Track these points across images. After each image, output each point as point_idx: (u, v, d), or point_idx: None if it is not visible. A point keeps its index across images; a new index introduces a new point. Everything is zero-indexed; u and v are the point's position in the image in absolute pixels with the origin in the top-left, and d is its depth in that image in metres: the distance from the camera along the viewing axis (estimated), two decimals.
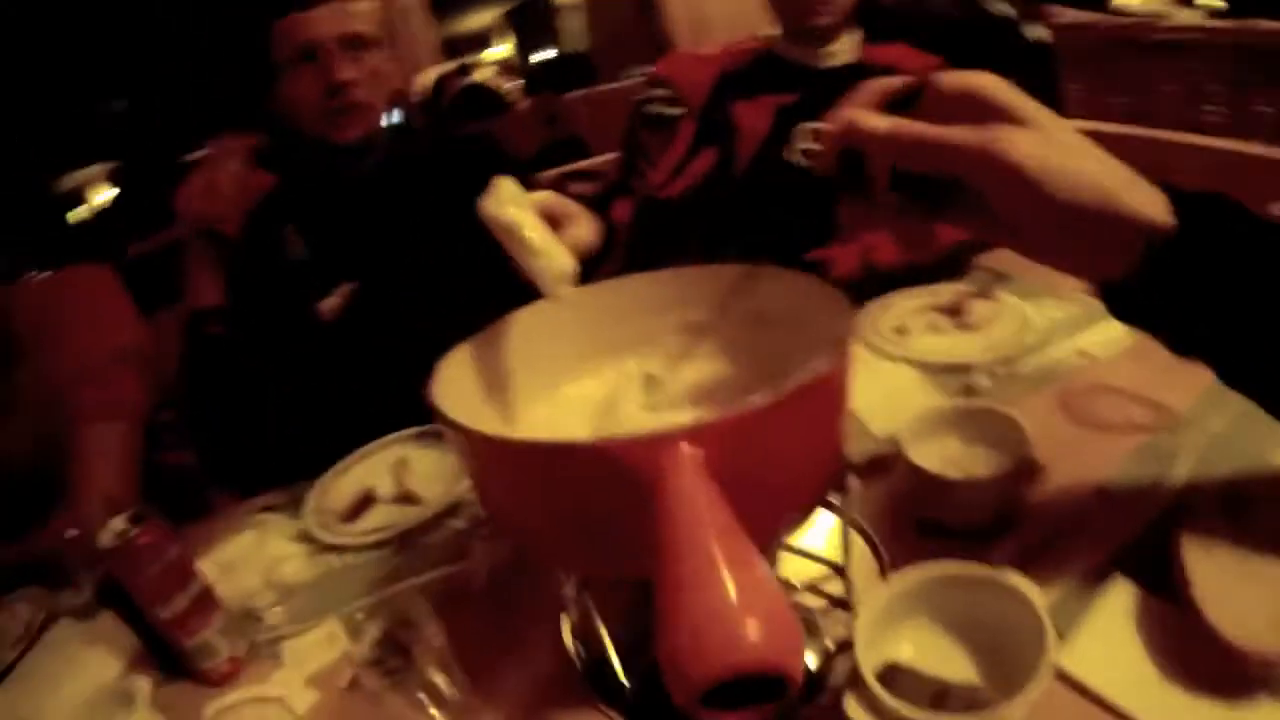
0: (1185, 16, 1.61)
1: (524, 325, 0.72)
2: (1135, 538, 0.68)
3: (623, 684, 0.62)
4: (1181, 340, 0.53)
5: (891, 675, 0.53)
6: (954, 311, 1.11)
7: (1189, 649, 0.55)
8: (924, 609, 0.59)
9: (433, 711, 0.61)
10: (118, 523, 0.71)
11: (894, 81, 0.54)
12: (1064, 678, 0.56)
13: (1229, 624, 0.53)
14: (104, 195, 3.50)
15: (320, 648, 0.78)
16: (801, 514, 0.57)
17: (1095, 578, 0.65)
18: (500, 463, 0.46)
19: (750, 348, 0.71)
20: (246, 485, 1.10)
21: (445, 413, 0.49)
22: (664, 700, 0.53)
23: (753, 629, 0.31)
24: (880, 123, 0.50)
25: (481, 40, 7.25)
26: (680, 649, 0.32)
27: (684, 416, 0.64)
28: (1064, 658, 0.56)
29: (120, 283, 1.28)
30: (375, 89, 1.15)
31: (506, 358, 0.71)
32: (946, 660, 0.57)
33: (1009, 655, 0.53)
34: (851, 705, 0.50)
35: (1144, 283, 0.49)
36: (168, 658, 0.77)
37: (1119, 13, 1.69)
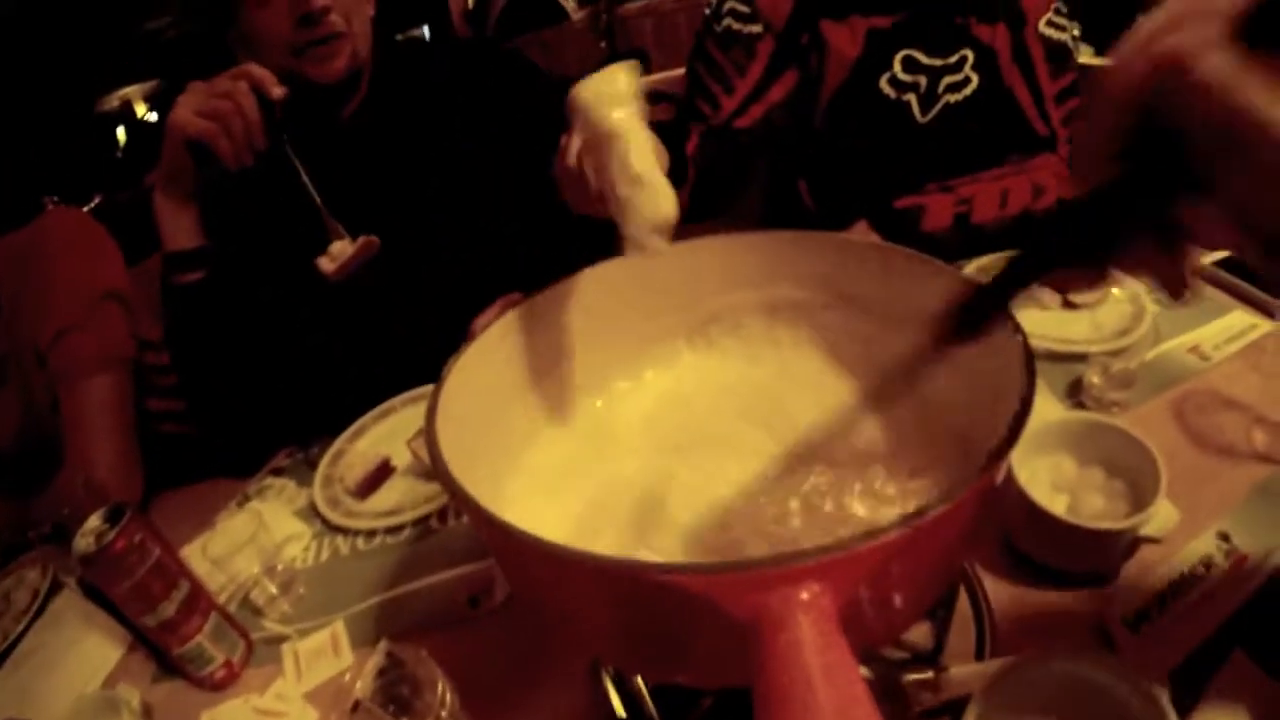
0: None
1: (573, 298, 0.58)
2: (1257, 604, 0.60)
3: None
4: None
5: None
6: (1059, 287, 0.97)
7: None
8: (1032, 690, 0.51)
9: None
10: (94, 522, 0.62)
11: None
12: None
13: None
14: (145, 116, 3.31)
15: (322, 657, 0.70)
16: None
17: (1213, 650, 0.57)
18: (552, 571, 0.34)
19: (864, 354, 0.58)
20: (247, 451, 1.01)
21: (455, 477, 0.37)
22: None
23: None
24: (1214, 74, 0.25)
25: None
26: None
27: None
28: None
29: (99, 225, 1.17)
30: (356, 12, 0.97)
31: (543, 346, 0.58)
32: None
33: None
34: None
35: None
36: (162, 653, 0.69)
37: None
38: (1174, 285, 0.33)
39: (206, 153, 0.87)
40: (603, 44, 3.20)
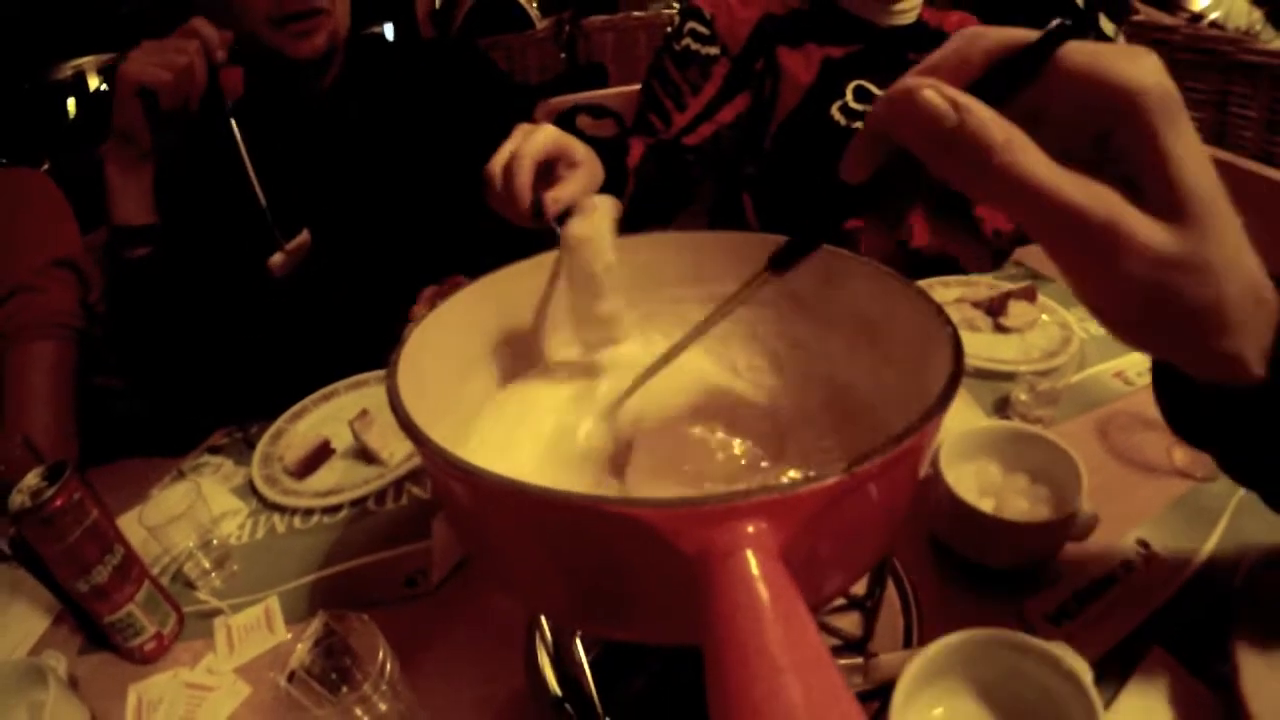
0: (1275, 41, 1.49)
1: (528, 280, 0.62)
2: (1174, 605, 0.64)
3: (598, 713, 0.53)
4: (1228, 464, 0.47)
5: None
6: (991, 309, 1.02)
7: None
8: (957, 672, 0.54)
9: None
10: (31, 479, 0.61)
11: (1014, 35, 0.34)
12: None
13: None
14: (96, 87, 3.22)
15: (255, 632, 0.69)
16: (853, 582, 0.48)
17: (1132, 646, 0.60)
18: (501, 509, 0.35)
19: (799, 350, 0.61)
20: (184, 429, 0.99)
21: (411, 414, 0.38)
22: None
23: None
24: (941, 105, 0.32)
25: None
26: None
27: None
28: None
29: (58, 189, 1.14)
30: None
31: (498, 321, 0.60)
32: None
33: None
34: None
35: (1208, 406, 0.41)
36: (90, 624, 0.68)
37: (1199, 18, 1.56)
38: (969, 254, 0.42)
39: (156, 109, 0.85)
40: (562, 55, 3.22)
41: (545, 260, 0.62)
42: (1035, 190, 0.31)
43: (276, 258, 0.97)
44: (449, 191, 1.09)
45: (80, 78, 2.93)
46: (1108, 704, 0.55)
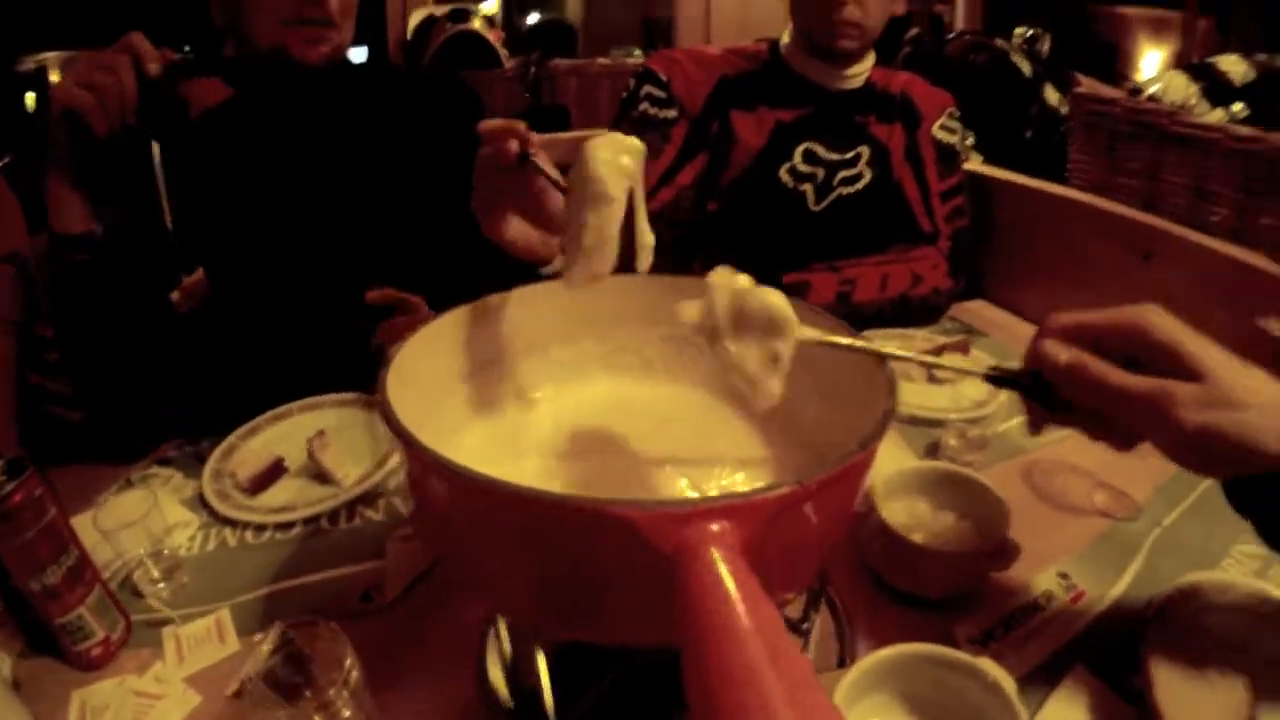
0: (1209, 115, 1.63)
1: (504, 312, 0.66)
2: (1094, 629, 0.69)
3: None
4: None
5: None
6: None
7: None
8: (890, 687, 0.58)
9: None
10: None
11: (1090, 324, 0.54)
12: None
13: None
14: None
15: (206, 643, 0.69)
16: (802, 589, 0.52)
17: (1055, 666, 0.65)
18: (478, 506, 0.38)
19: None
20: (129, 439, 0.98)
21: (405, 427, 0.41)
22: None
23: None
24: (1061, 355, 0.53)
25: None
26: None
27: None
28: None
29: (4, 184, 1.12)
30: (346, 16, 1.01)
31: (475, 348, 0.64)
32: None
33: None
34: None
35: (1266, 496, 0.53)
36: (33, 629, 0.67)
37: (1138, 91, 1.70)
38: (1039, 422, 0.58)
39: (83, 126, 0.85)
40: (527, 94, 3.30)
41: (527, 293, 0.66)
42: (1109, 387, 0.51)
43: (175, 295, 0.98)
44: (415, 220, 1.12)
45: (41, 72, 2.87)
46: (1032, 716, 0.60)
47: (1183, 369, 0.50)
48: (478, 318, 0.64)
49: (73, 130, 0.85)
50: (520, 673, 0.61)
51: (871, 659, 0.55)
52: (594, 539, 0.35)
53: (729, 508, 0.34)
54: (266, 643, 0.57)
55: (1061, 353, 0.53)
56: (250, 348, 1.08)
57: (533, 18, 5.57)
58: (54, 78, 2.88)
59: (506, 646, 0.62)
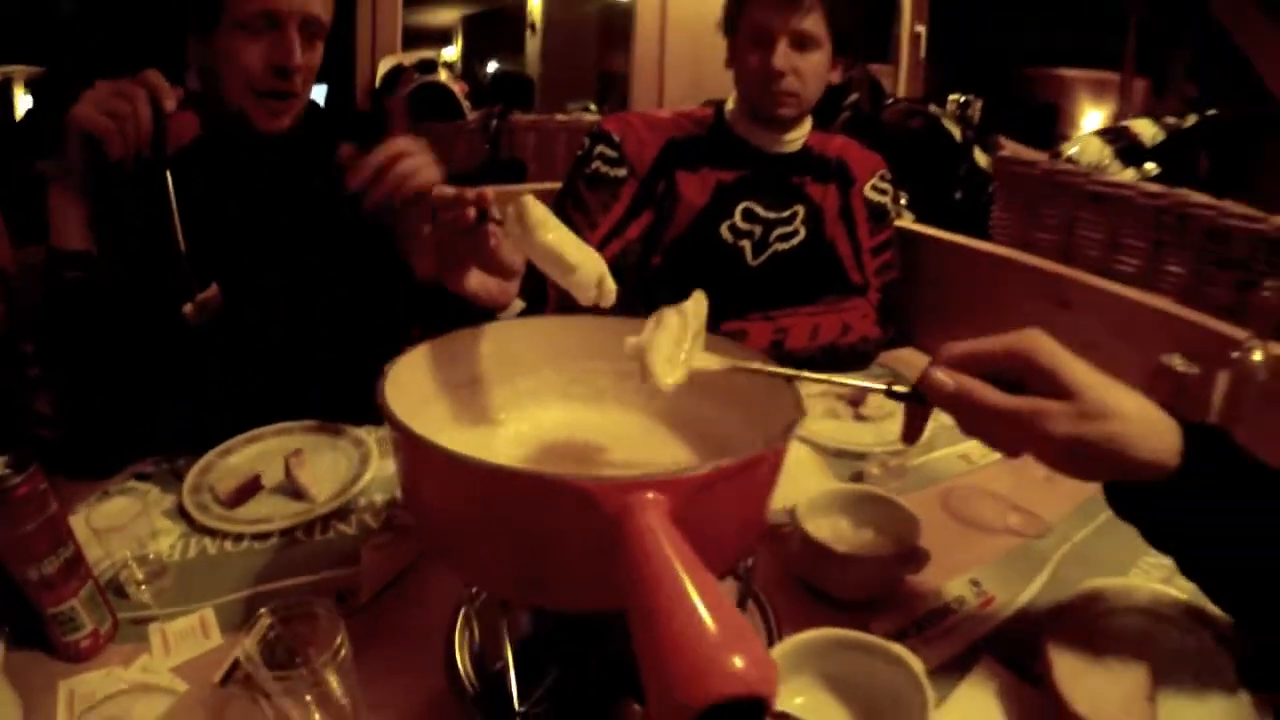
0: (1122, 174, 1.80)
1: (477, 343, 0.76)
2: (1003, 629, 0.78)
3: (515, 709, 0.62)
4: (1183, 561, 0.64)
5: None
6: (854, 402, 1.19)
7: None
8: (812, 668, 0.66)
9: (316, 717, 0.60)
10: None
11: (982, 351, 0.62)
12: None
13: (1087, 707, 0.61)
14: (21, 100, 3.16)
15: (191, 637, 0.74)
16: (725, 571, 0.61)
17: (965, 660, 0.73)
18: (454, 480, 0.48)
19: (684, 412, 0.76)
20: (104, 455, 1.03)
21: (398, 415, 0.50)
22: None
23: (739, 660, 0.35)
24: (948, 382, 0.61)
25: (444, 37, 6.95)
26: (669, 674, 0.35)
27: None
28: None
29: None
30: (308, 84, 1.09)
31: (450, 371, 0.74)
32: (830, 712, 0.64)
33: (886, 711, 0.61)
34: None
35: (1148, 504, 0.62)
36: (23, 621, 0.71)
37: (1058, 154, 1.87)
38: (911, 434, 0.67)
39: (99, 151, 0.91)
40: (487, 146, 3.42)
41: (499, 327, 0.77)
42: (986, 410, 0.60)
43: (188, 307, 1.05)
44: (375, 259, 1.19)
45: (5, 85, 2.90)
46: (945, 698, 0.67)
47: (1059, 389, 0.58)
48: (458, 345, 0.74)
49: (89, 152, 0.92)
50: (486, 662, 0.68)
51: (792, 640, 0.64)
52: (559, 505, 0.45)
53: (660, 481, 0.43)
54: (264, 619, 0.60)
55: (948, 381, 0.61)
56: (246, 370, 1.14)
57: (491, 65, 5.74)
58: (18, 91, 2.90)
59: (476, 638, 0.69)
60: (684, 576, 0.38)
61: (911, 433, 0.66)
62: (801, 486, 0.89)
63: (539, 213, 0.71)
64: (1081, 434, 0.57)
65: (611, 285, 0.72)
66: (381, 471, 1.00)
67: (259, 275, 1.12)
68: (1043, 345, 0.59)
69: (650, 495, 0.42)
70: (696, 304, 0.67)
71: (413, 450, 0.50)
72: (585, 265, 0.70)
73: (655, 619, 0.37)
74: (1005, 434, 0.61)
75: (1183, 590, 0.72)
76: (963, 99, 2.73)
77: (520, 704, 0.62)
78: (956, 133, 2.20)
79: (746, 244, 1.42)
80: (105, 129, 0.90)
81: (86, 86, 0.93)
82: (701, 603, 0.36)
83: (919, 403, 0.64)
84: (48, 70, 2.95)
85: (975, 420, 0.61)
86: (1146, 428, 0.58)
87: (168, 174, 1.01)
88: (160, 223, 1.00)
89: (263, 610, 0.60)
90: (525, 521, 0.47)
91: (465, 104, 3.62)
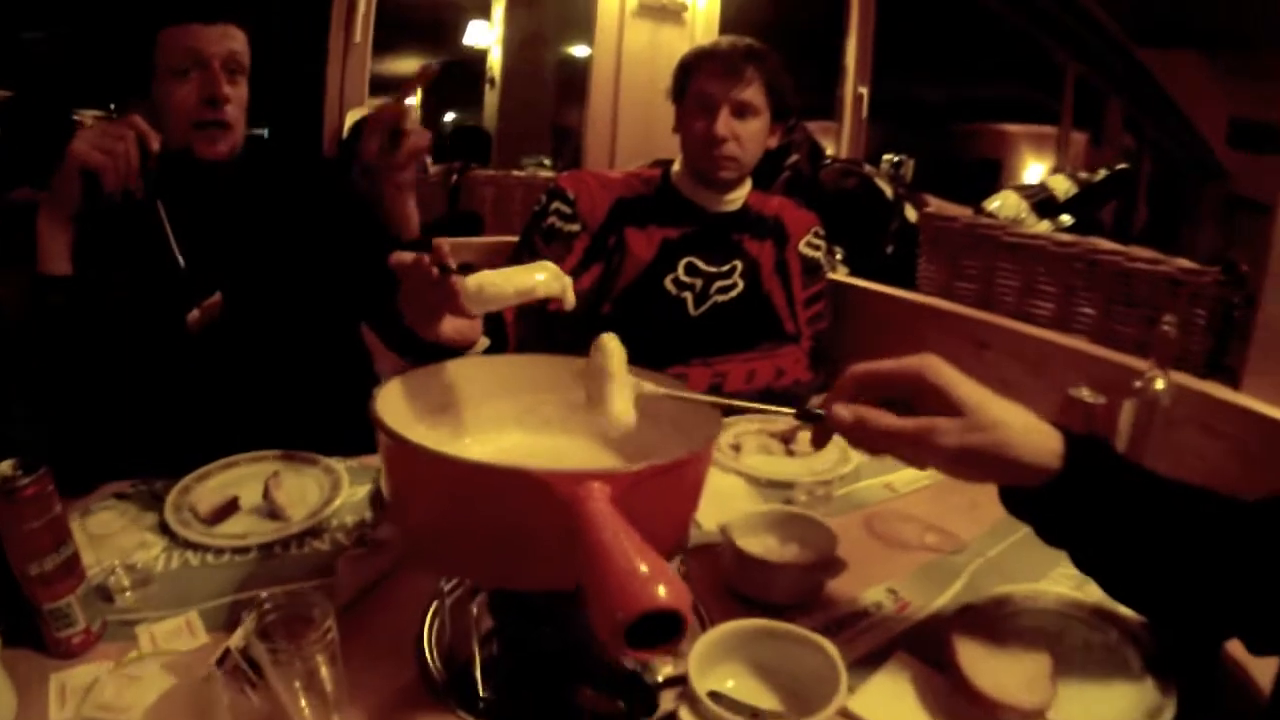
0: (1038, 226, 2.00)
1: (443, 376, 0.87)
2: (917, 629, 0.86)
3: (479, 694, 0.71)
4: (1074, 555, 0.72)
5: (715, 699, 0.66)
6: (785, 439, 1.31)
7: (956, 705, 0.72)
8: (742, 655, 0.74)
9: (301, 703, 0.65)
10: (5, 467, 0.71)
11: (881, 371, 0.71)
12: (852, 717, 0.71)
13: (989, 684, 0.70)
14: None
15: (178, 636, 0.80)
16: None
17: (881, 655, 0.80)
18: (438, 477, 0.58)
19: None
20: (80, 476, 1.07)
21: (391, 427, 0.61)
22: (515, 709, 0.69)
23: (662, 586, 0.47)
24: (846, 415, 0.69)
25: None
26: (610, 599, 0.47)
27: None
28: (852, 703, 0.72)
29: None
30: (240, 115, 1.23)
31: (423, 399, 0.85)
32: (758, 693, 0.72)
33: (808, 693, 0.69)
34: (685, 716, 0.64)
35: (1036, 504, 0.70)
36: (16, 618, 0.75)
37: (980, 210, 2.06)
38: (819, 441, 0.75)
39: (94, 184, 1.03)
40: (445, 198, 3.53)
41: (468, 362, 0.90)
42: (883, 433, 0.68)
43: (194, 314, 1.14)
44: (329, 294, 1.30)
45: None
46: (862, 683, 0.75)
47: (949, 405, 0.65)
48: (430, 378, 0.86)
49: (85, 185, 1.03)
50: (454, 655, 0.77)
51: (720, 629, 0.72)
52: (522, 495, 0.56)
53: (604, 474, 0.55)
54: (262, 605, 0.67)
55: (846, 415, 0.69)
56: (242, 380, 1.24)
57: (449, 116, 5.87)
58: None
59: (444, 634, 0.78)
60: (621, 534, 0.49)
61: (819, 441, 0.75)
62: (733, 508, 1.00)
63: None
64: (969, 444, 0.64)
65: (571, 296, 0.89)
66: (351, 497, 1.08)
67: (257, 281, 1.24)
68: (933, 366, 0.67)
69: (597, 485, 0.53)
70: (616, 344, 0.78)
71: (401, 453, 0.61)
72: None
73: (599, 562, 0.48)
74: (903, 450, 0.69)
75: (1092, 597, 0.80)
76: (896, 159, 2.95)
77: (484, 691, 0.71)
78: (889, 191, 2.37)
79: (689, 295, 1.54)
80: (101, 164, 1.02)
81: (56, 115, 1.06)
82: (634, 550, 0.47)
83: (823, 424, 0.74)
84: (13, 96, 2.98)
85: (875, 441, 0.69)
86: (1029, 435, 0.66)
87: (159, 204, 1.11)
88: (156, 245, 1.09)
89: (262, 594, 0.67)
90: (494, 509, 0.58)
91: (428, 158, 3.74)
